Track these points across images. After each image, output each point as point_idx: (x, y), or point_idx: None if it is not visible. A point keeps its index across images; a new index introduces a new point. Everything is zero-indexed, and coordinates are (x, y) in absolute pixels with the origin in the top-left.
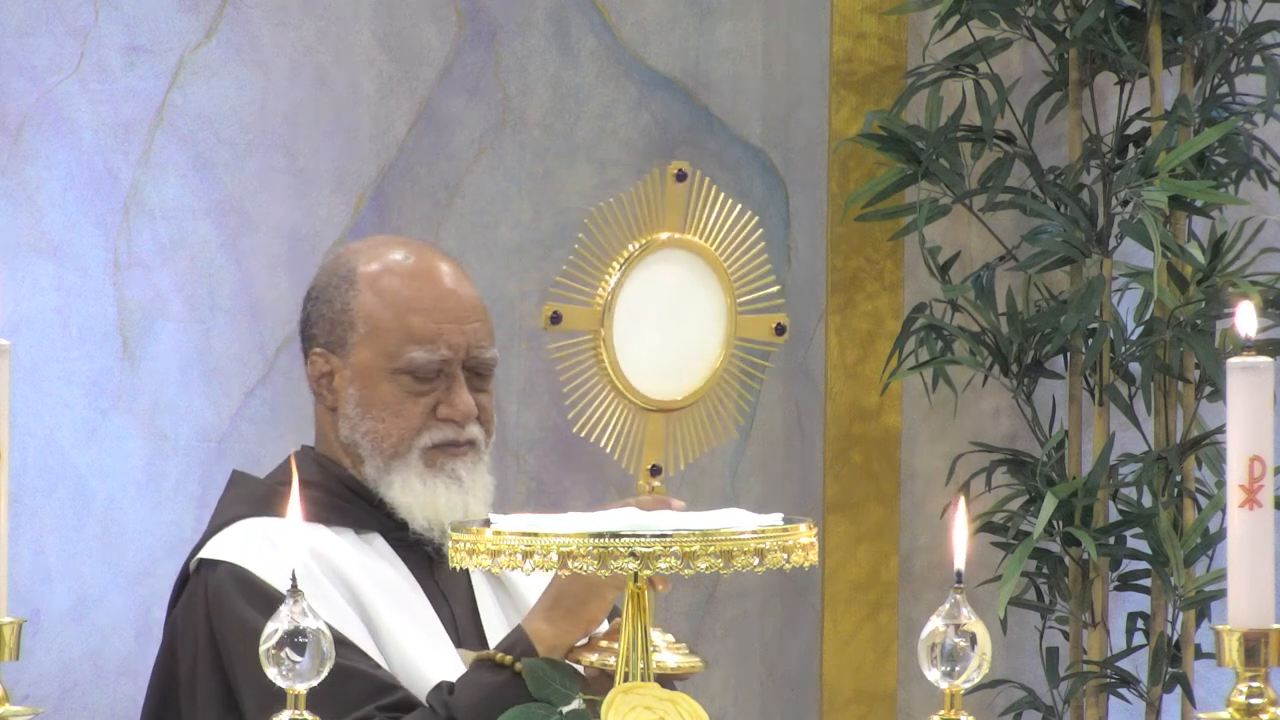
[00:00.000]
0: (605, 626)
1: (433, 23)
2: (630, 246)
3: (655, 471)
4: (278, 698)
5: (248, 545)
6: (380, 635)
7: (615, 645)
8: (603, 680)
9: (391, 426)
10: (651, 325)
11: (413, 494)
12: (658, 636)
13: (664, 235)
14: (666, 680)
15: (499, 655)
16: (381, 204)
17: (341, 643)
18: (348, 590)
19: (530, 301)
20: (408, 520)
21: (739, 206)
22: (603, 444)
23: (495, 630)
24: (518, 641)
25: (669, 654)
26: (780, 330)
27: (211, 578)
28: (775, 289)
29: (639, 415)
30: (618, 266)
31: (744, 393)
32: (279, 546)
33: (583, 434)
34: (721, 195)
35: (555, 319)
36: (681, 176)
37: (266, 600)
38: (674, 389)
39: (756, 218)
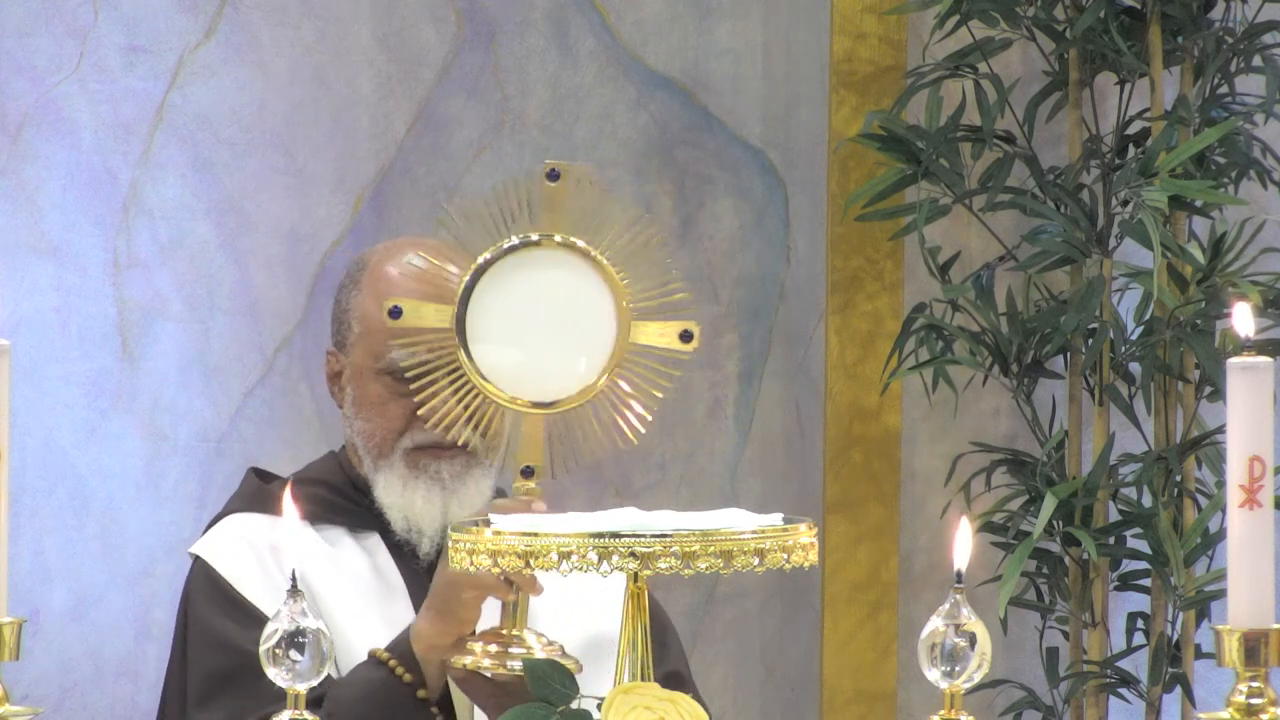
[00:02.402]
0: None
1: (431, 23)
2: (497, 245)
3: (528, 473)
4: (211, 695)
5: (224, 544)
6: (332, 632)
7: (490, 647)
8: (473, 681)
9: (376, 426)
10: (524, 325)
11: (393, 494)
12: (531, 638)
13: (538, 236)
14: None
15: (379, 651)
16: (381, 204)
17: None
18: (304, 586)
19: None
20: (391, 521)
21: (635, 210)
22: (461, 441)
23: None
24: (401, 640)
25: (545, 655)
26: (686, 337)
27: (191, 571)
28: (681, 295)
29: (511, 415)
30: (476, 265)
31: (648, 400)
32: (253, 545)
33: (436, 430)
34: (612, 198)
35: (394, 313)
36: (554, 175)
37: (224, 598)
38: (551, 391)
39: (657, 222)
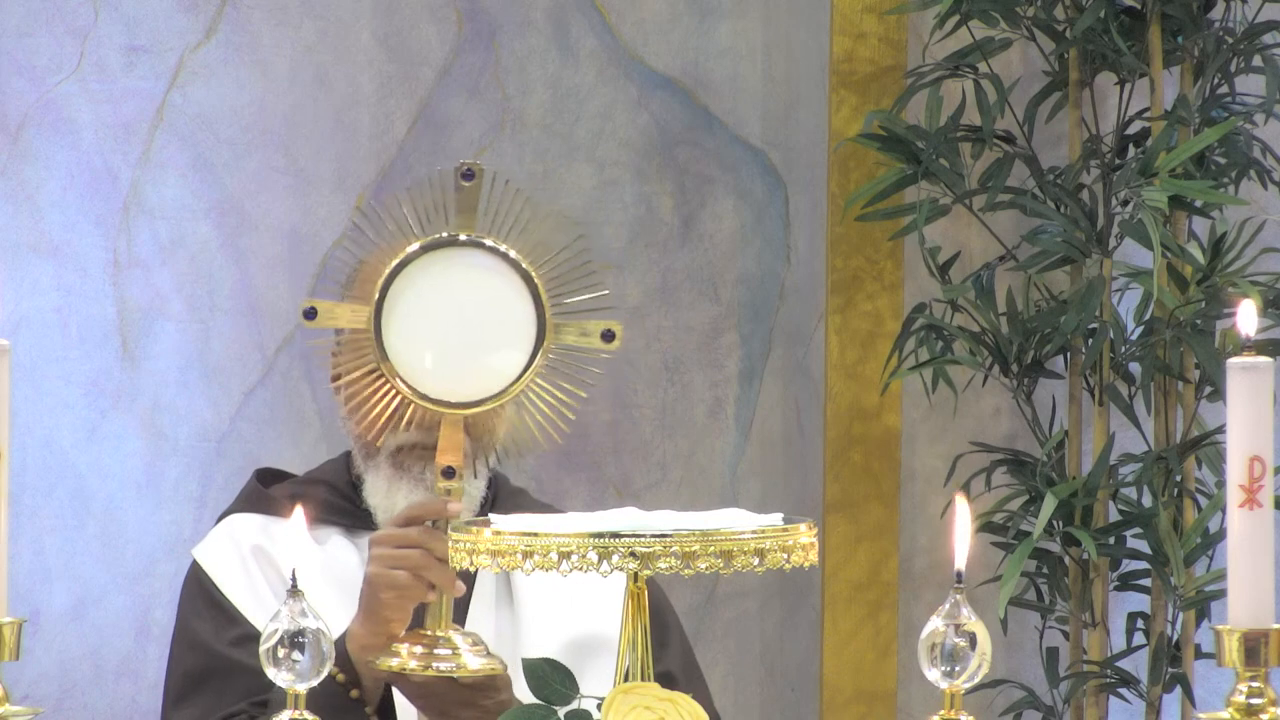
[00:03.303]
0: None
1: (432, 23)
2: (411, 245)
3: (448, 474)
4: (186, 695)
5: (214, 545)
6: None
7: (416, 649)
8: (401, 681)
9: (363, 428)
10: (442, 326)
11: (379, 495)
12: (459, 639)
13: (459, 235)
14: (463, 682)
15: None
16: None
17: (249, 639)
18: (284, 587)
19: None
20: (378, 522)
21: (558, 211)
22: (380, 441)
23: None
24: (338, 641)
25: (472, 656)
26: (609, 336)
27: (187, 572)
28: (603, 293)
29: (431, 415)
30: (390, 265)
31: (570, 400)
32: (238, 545)
33: (358, 429)
34: (527, 199)
35: (309, 314)
36: (469, 175)
37: (206, 599)
38: (470, 391)
39: (578, 222)
